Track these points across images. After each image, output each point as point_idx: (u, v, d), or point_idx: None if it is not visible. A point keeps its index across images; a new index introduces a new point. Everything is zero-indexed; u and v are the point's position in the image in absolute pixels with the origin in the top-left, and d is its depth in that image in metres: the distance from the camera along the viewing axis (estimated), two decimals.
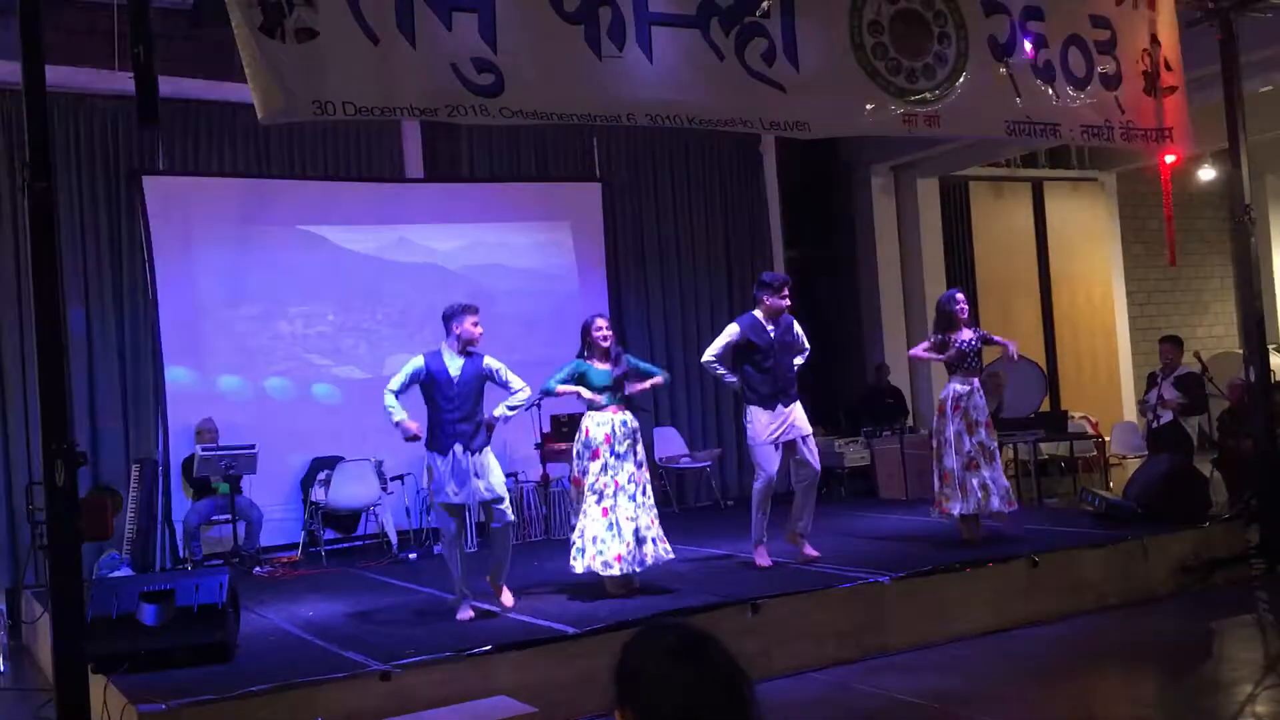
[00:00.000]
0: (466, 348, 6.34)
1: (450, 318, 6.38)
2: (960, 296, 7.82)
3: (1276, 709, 5.26)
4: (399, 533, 9.35)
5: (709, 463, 11.05)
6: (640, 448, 6.75)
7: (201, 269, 9.62)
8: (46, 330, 4.74)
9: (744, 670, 1.79)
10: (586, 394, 6.65)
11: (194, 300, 9.57)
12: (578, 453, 6.69)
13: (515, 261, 10.81)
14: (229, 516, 8.68)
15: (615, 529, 6.46)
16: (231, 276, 9.72)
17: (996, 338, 7.97)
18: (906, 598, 6.50)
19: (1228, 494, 9.37)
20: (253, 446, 8.72)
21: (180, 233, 9.53)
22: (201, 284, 9.63)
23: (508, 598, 6.44)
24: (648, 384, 6.94)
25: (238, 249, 9.80)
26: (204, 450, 8.71)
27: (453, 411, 6.27)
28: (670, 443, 11.06)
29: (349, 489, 9.21)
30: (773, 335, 7.22)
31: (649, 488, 6.73)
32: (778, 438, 7.14)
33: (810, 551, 7.25)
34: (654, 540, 6.59)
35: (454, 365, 6.32)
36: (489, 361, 6.41)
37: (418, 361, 6.35)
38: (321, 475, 9.27)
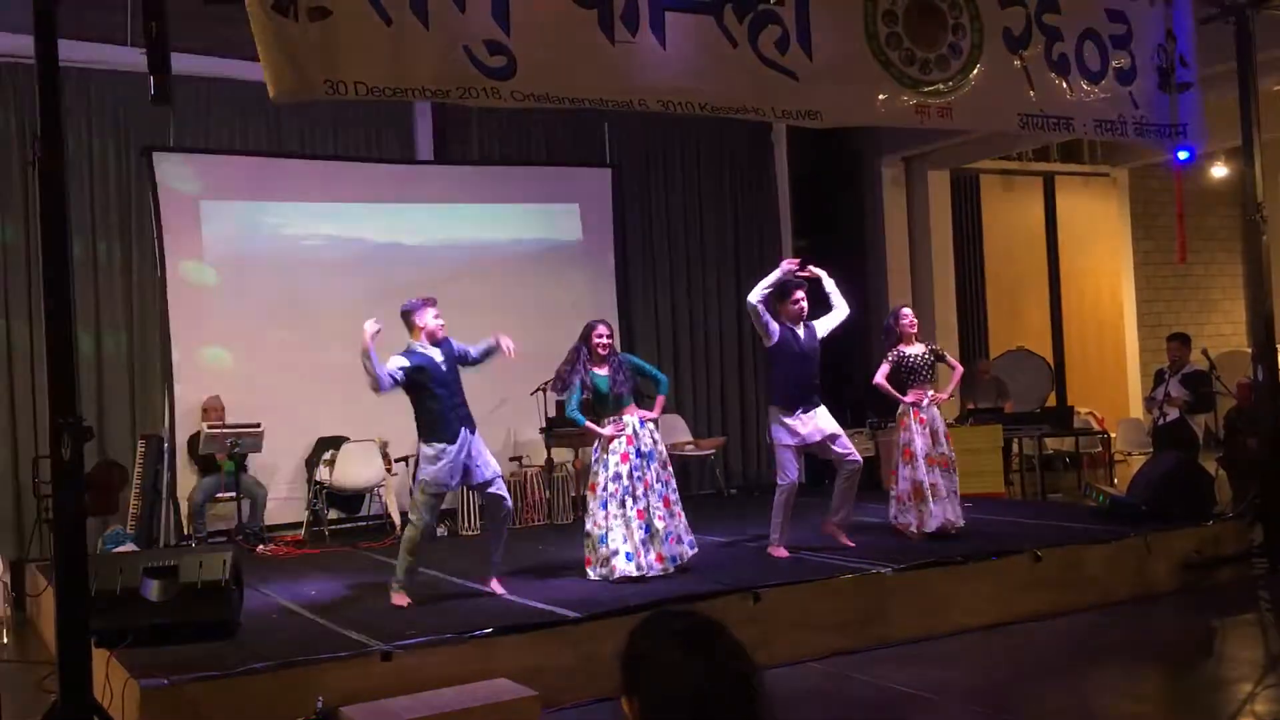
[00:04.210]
0: (433, 340, 6.28)
1: (411, 312, 6.30)
2: (906, 313, 7.84)
3: (1276, 708, 5.26)
4: (402, 514, 9.36)
5: (713, 451, 11.05)
6: (663, 448, 6.86)
7: (211, 246, 9.62)
8: (55, 304, 4.75)
9: (753, 660, 1.79)
10: (604, 432, 6.69)
11: (203, 277, 9.58)
12: (600, 460, 6.71)
13: (523, 245, 10.80)
14: (234, 494, 8.71)
15: (652, 532, 6.59)
16: (241, 255, 9.72)
17: (949, 358, 8.08)
18: (908, 589, 6.50)
19: (1232, 493, 9.35)
20: (258, 425, 8.73)
21: (190, 210, 9.53)
22: (210, 261, 9.63)
23: (499, 586, 6.40)
24: (657, 411, 6.96)
25: (247, 227, 9.80)
26: (210, 428, 8.73)
27: (452, 396, 6.27)
28: (675, 430, 11.05)
29: (353, 469, 9.23)
30: (802, 340, 7.25)
31: (674, 485, 6.83)
32: (801, 444, 7.19)
33: (847, 542, 7.29)
34: (687, 541, 6.79)
35: (434, 354, 6.27)
36: (455, 344, 6.40)
37: (401, 360, 6.20)
38: (326, 455, 9.29)
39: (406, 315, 6.34)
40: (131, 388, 9.36)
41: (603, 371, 6.74)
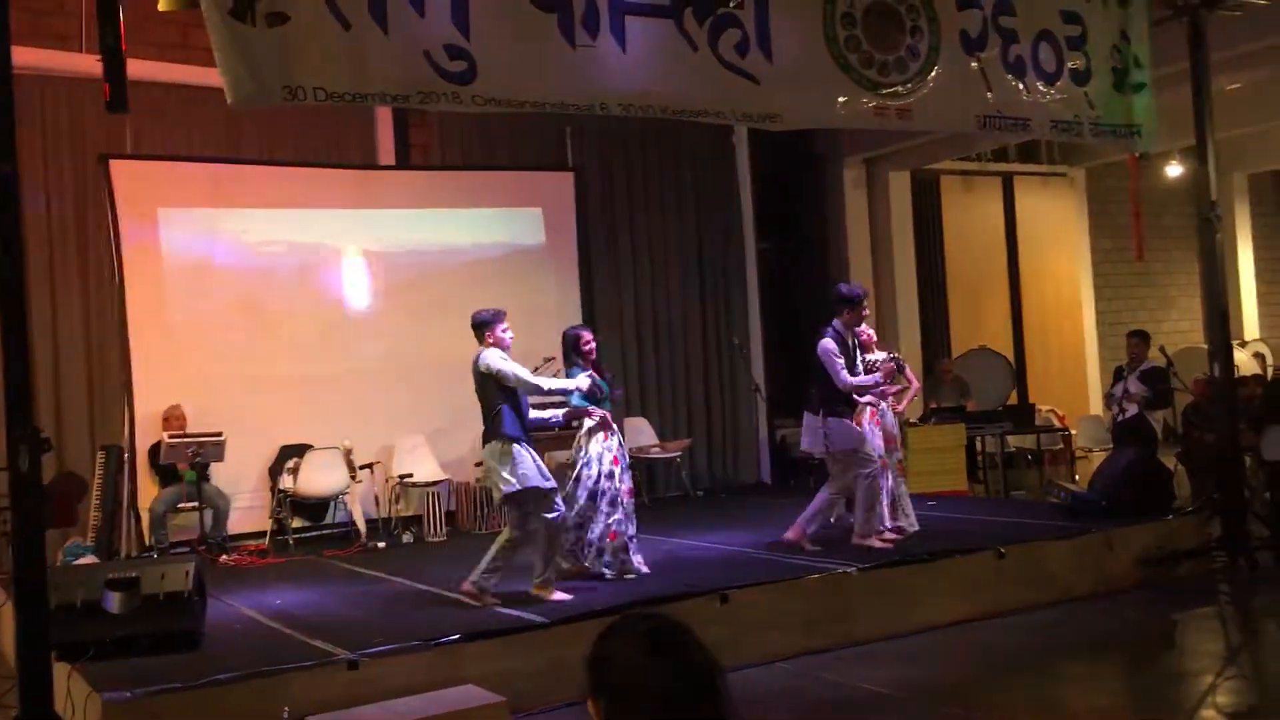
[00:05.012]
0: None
1: (486, 325, 6.42)
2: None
3: (1236, 699, 5.34)
4: (367, 521, 9.32)
5: (679, 453, 11.07)
6: None
7: (170, 254, 9.52)
8: (10, 314, 4.69)
9: (717, 661, 1.81)
10: (596, 411, 6.76)
11: (162, 286, 9.47)
12: (589, 458, 6.72)
13: (486, 250, 10.76)
14: (196, 504, 8.62)
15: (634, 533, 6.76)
16: (201, 262, 9.63)
17: (909, 371, 8.25)
18: (873, 588, 6.54)
19: (1191, 487, 9.48)
20: (220, 434, 8.66)
21: (148, 217, 9.42)
22: (170, 269, 9.53)
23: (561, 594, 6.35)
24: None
25: (207, 235, 9.71)
26: (171, 437, 8.64)
27: (529, 406, 6.43)
28: (641, 433, 11.07)
29: (317, 477, 9.17)
30: (851, 346, 7.40)
31: None
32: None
33: (812, 547, 7.32)
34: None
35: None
36: None
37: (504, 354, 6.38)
38: (290, 463, 9.22)
39: (481, 326, 6.43)
40: (90, 398, 9.24)
41: (599, 376, 6.89)
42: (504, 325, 6.45)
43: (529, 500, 6.26)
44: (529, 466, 6.22)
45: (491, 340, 6.39)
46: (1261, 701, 5.33)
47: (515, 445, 6.23)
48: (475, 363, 6.37)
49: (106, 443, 9.01)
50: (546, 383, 6.51)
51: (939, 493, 9.62)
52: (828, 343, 7.28)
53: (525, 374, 6.37)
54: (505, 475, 6.21)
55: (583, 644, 1.89)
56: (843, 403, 7.30)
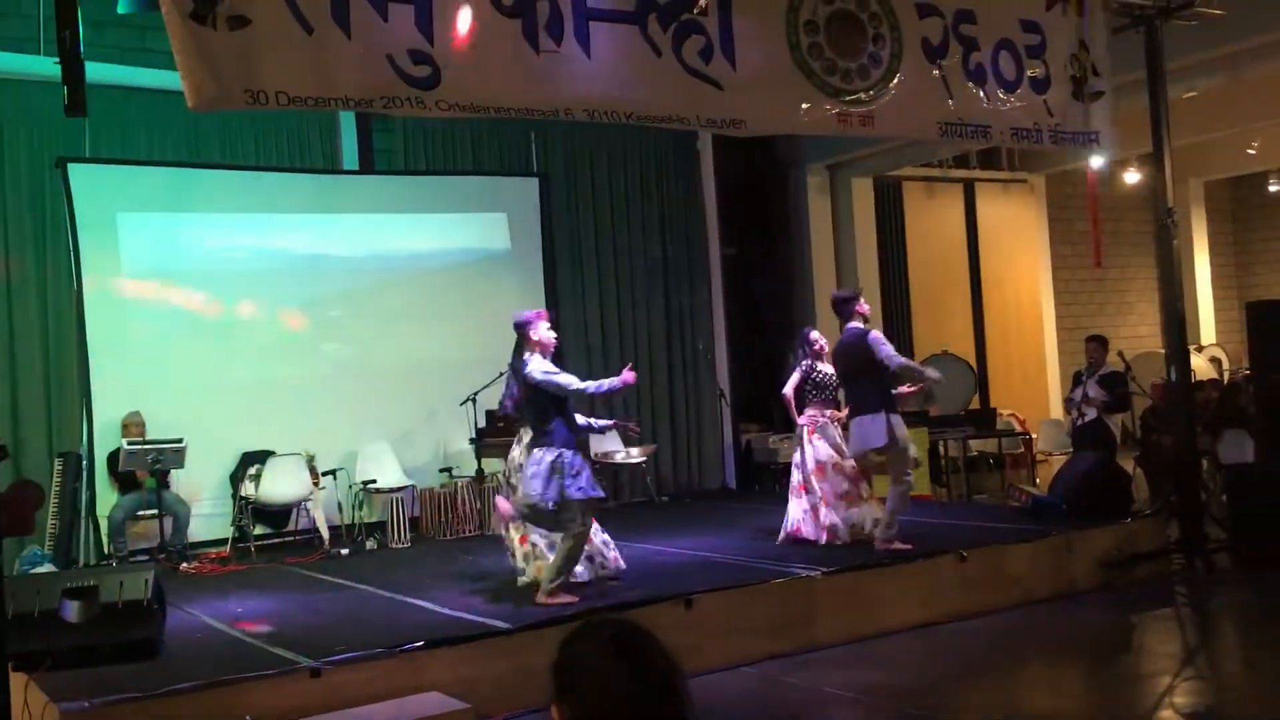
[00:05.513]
0: (546, 354, 6.33)
1: (526, 324, 6.33)
2: (815, 336, 7.99)
3: (1194, 700, 5.41)
4: (330, 528, 9.25)
5: (644, 459, 11.07)
6: None
7: (129, 259, 9.42)
8: None
9: (679, 665, 1.82)
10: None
11: (121, 291, 9.37)
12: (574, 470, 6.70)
13: (451, 255, 10.73)
14: (156, 511, 8.53)
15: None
16: (160, 267, 9.54)
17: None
18: (837, 592, 6.57)
19: (1149, 490, 9.59)
20: (180, 441, 8.57)
21: (107, 222, 9.32)
22: (129, 274, 9.43)
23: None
24: None
25: (167, 239, 9.62)
26: (130, 444, 8.54)
27: (575, 412, 6.39)
28: (605, 439, 11.03)
29: (280, 484, 9.09)
30: None
31: None
32: None
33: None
34: None
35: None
36: None
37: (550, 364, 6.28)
38: (251, 470, 9.14)
39: (522, 326, 6.36)
40: (48, 404, 9.12)
41: None
42: (546, 324, 6.38)
43: (571, 509, 6.17)
44: (582, 477, 6.16)
45: (535, 337, 6.31)
46: (1218, 701, 5.40)
47: (569, 454, 6.16)
48: (522, 371, 6.26)
49: (65, 450, 8.90)
50: (593, 386, 6.34)
51: None
52: (876, 333, 7.44)
53: (573, 382, 6.22)
54: (557, 484, 6.09)
55: (547, 649, 1.89)
56: (896, 403, 7.42)
